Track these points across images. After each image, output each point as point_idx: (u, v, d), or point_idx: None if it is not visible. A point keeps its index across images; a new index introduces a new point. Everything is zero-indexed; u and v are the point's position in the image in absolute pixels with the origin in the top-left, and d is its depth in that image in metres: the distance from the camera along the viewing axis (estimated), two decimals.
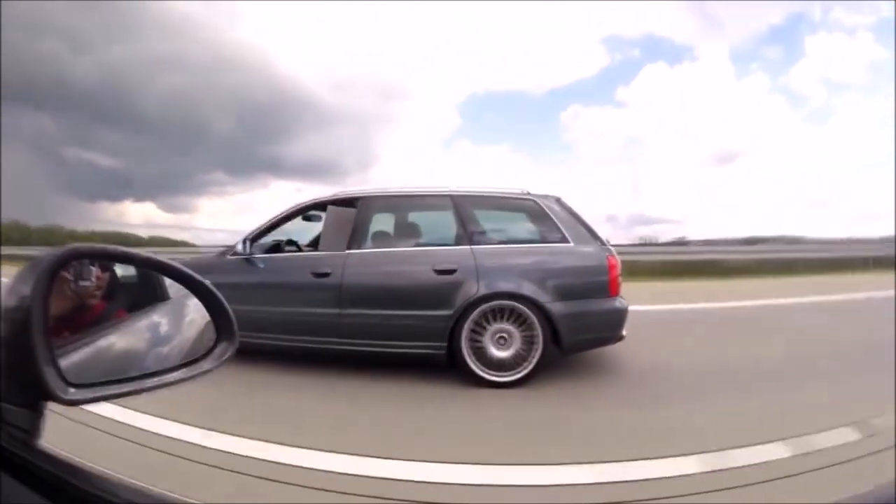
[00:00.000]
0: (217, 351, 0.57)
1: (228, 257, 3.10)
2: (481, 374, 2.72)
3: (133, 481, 0.46)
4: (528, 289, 2.76)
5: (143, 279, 0.69)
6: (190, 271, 0.58)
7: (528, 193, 3.10)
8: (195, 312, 0.60)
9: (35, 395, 0.42)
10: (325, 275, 2.90)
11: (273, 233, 3.29)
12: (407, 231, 3.20)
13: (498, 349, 2.76)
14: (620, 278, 2.94)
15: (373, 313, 2.86)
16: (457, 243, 2.93)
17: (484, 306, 2.75)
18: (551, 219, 2.97)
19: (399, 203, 3.25)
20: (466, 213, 3.01)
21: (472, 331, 2.76)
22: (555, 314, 2.73)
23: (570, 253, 2.88)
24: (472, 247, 2.88)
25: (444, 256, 2.88)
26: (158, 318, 0.65)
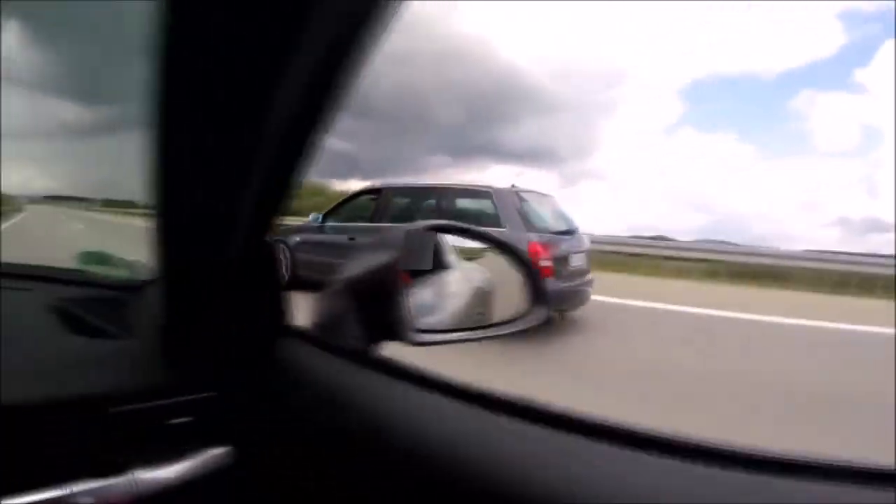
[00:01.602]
0: (533, 312, 0.61)
1: (312, 224, 4.96)
2: None
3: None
4: None
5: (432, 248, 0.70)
6: (513, 245, 0.63)
7: (490, 187, 3.87)
8: (474, 279, 0.65)
9: (387, 337, 0.50)
10: (353, 239, 4.42)
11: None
12: (410, 213, 4.41)
13: None
14: (547, 263, 3.48)
15: None
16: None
17: None
18: (496, 207, 3.70)
19: (407, 192, 4.46)
20: (441, 201, 4.03)
21: None
22: None
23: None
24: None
25: None
26: (445, 282, 0.65)
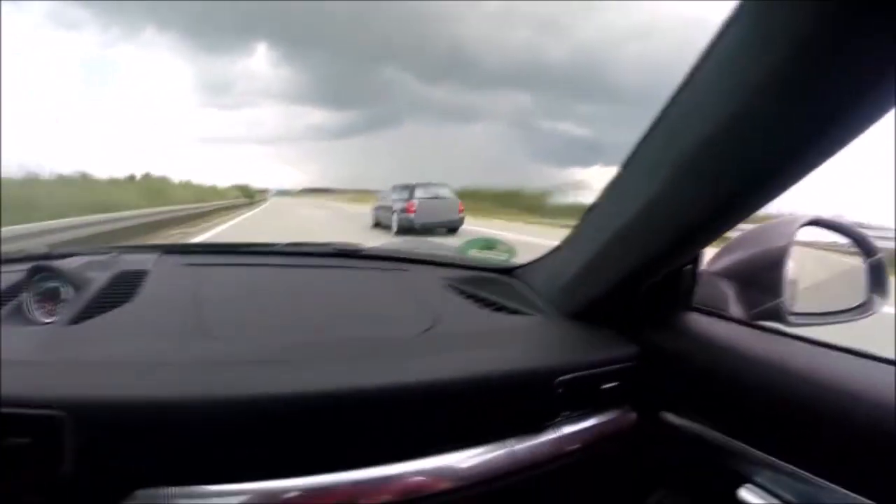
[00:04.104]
0: (875, 301, 0.60)
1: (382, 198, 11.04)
2: None
3: None
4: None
5: None
6: (870, 240, 0.62)
7: (413, 184, 9.26)
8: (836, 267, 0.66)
9: (766, 317, 0.55)
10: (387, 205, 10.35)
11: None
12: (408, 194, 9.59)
13: None
14: (413, 208, 8.57)
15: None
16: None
17: None
18: (412, 190, 9.04)
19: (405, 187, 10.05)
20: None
21: None
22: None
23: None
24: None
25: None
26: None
